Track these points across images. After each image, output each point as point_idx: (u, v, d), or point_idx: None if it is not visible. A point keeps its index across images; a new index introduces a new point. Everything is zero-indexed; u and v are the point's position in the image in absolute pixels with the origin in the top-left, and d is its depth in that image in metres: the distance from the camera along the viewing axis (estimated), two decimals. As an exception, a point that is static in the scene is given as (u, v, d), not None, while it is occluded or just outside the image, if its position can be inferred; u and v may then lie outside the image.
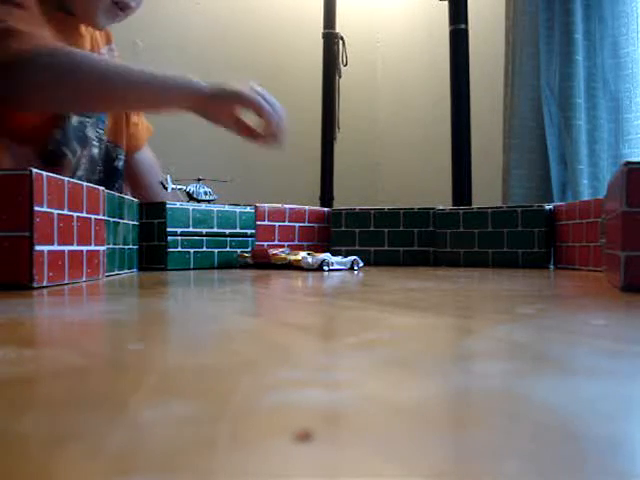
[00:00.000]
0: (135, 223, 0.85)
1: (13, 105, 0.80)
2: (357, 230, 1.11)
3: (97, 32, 0.95)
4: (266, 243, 1.06)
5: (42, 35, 0.75)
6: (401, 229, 1.10)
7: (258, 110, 0.82)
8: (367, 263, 1.10)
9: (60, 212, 0.57)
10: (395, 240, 1.09)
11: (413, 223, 1.09)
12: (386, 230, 1.10)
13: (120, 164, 1.07)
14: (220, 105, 0.83)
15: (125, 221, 0.79)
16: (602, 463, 0.13)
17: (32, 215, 0.52)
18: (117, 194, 0.76)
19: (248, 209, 1.00)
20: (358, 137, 1.99)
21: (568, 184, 1.44)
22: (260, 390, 0.19)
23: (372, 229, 1.11)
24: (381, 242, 1.09)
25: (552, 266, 0.99)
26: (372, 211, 1.11)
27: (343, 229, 1.12)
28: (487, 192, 1.51)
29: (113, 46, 1.02)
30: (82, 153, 0.96)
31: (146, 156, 1.17)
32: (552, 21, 1.46)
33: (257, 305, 0.51)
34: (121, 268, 0.77)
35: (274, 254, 0.87)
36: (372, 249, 1.10)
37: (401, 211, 1.10)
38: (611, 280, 0.59)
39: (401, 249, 1.08)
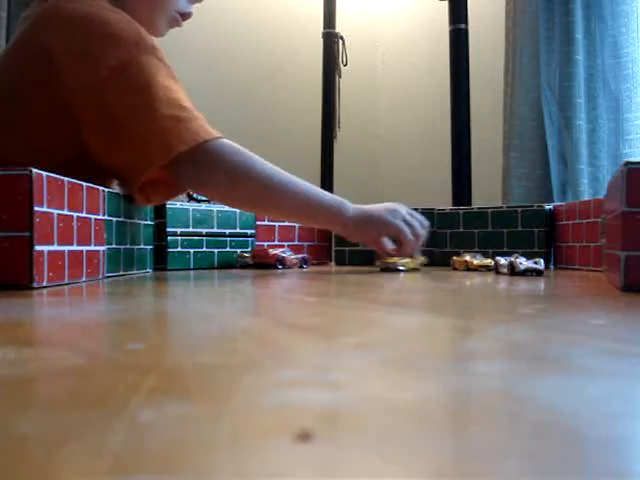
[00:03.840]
0: (148, 223, 0.85)
1: (193, 190, 0.86)
2: None
3: None
4: (266, 243, 1.06)
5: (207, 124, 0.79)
6: None
7: (402, 238, 0.87)
8: (371, 263, 1.10)
9: (60, 212, 0.57)
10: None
11: None
12: None
13: None
14: (364, 232, 0.88)
15: (134, 221, 0.79)
16: (602, 462, 0.13)
17: (32, 215, 0.52)
18: (122, 194, 0.76)
19: (248, 209, 1.00)
20: (358, 136, 1.99)
21: (568, 184, 1.44)
22: (260, 390, 0.19)
23: None
24: None
25: (552, 266, 0.99)
26: None
27: None
28: (487, 192, 1.51)
29: None
30: None
31: None
32: (552, 21, 1.46)
33: (257, 305, 0.51)
34: (129, 268, 0.77)
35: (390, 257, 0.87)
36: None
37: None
38: (611, 280, 0.59)
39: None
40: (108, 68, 0.73)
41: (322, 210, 0.83)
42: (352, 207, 0.85)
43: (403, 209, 0.89)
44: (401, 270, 0.85)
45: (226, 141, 0.77)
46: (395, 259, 0.86)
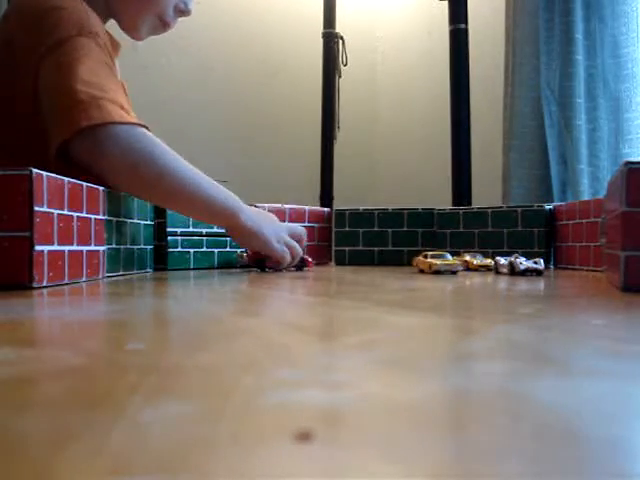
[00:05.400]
0: (148, 223, 0.85)
1: (92, 174, 0.80)
2: (361, 230, 1.11)
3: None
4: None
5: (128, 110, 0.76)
6: (405, 229, 1.10)
7: (279, 260, 0.87)
8: (371, 263, 1.10)
9: (60, 212, 0.57)
10: (399, 240, 1.09)
11: (417, 223, 1.10)
12: (390, 230, 1.10)
13: None
14: (244, 242, 0.88)
15: (134, 220, 0.79)
16: (602, 463, 0.13)
17: (32, 215, 0.52)
18: (123, 193, 0.76)
19: (248, 209, 1.00)
20: (358, 137, 1.99)
21: (568, 184, 1.44)
22: (260, 390, 0.19)
23: (376, 229, 1.10)
24: (385, 242, 1.09)
25: (552, 266, 0.99)
26: (376, 211, 1.11)
27: (347, 229, 1.12)
28: (487, 192, 1.51)
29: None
30: None
31: None
32: (552, 21, 1.46)
33: (257, 305, 0.51)
34: (129, 268, 0.77)
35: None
36: (376, 249, 1.10)
37: (405, 211, 1.10)
38: (611, 280, 0.59)
39: (405, 249, 1.08)
40: (45, 47, 0.74)
41: (213, 208, 0.81)
42: (246, 213, 0.84)
43: (284, 231, 0.90)
44: (455, 272, 0.81)
45: (138, 129, 0.74)
46: (439, 261, 0.82)
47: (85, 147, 0.73)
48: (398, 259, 1.08)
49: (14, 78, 0.78)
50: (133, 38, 0.91)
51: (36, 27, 0.77)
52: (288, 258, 0.87)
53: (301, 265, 0.92)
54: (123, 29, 0.90)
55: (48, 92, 0.74)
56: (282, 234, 0.89)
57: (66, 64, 0.73)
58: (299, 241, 0.92)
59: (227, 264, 0.97)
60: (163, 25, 0.91)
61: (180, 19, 0.92)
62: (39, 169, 0.54)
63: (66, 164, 0.73)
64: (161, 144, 0.76)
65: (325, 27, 1.61)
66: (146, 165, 0.74)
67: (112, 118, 0.71)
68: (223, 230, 0.90)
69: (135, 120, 0.75)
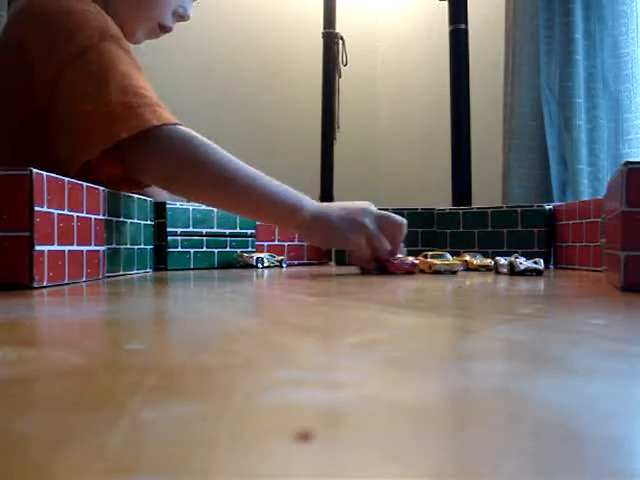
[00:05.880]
0: (148, 223, 0.85)
1: (137, 177, 0.81)
2: None
3: None
4: (266, 243, 1.06)
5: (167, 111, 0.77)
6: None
7: (375, 244, 0.79)
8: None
9: (60, 212, 0.57)
10: None
11: (417, 223, 1.09)
12: None
13: None
14: (315, 237, 0.81)
15: (134, 221, 0.79)
16: (602, 462, 0.13)
17: (32, 215, 0.52)
18: (123, 193, 0.76)
19: (248, 209, 1.00)
20: (358, 137, 1.99)
21: (568, 184, 1.44)
22: (260, 390, 0.19)
23: None
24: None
25: (552, 266, 0.99)
26: None
27: None
28: (487, 192, 1.51)
29: None
30: None
31: None
32: (552, 21, 1.46)
33: (257, 305, 0.51)
34: (129, 268, 0.77)
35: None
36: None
37: (405, 211, 1.10)
38: (611, 280, 0.59)
39: (405, 249, 1.08)
40: (69, 55, 0.73)
41: (274, 208, 0.76)
42: (312, 206, 0.77)
43: (373, 209, 0.81)
44: (455, 272, 0.81)
45: (180, 128, 0.75)
46: (438, 261, 0.81)
47: (128, 157, 0.74)
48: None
49: (27, 80, 0.76)
50: (130, 42, 0.92)
51: (52, 32, 0.75)
52: (363, 246, 0.77)
53: (379, 266, 0.79)
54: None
55: (80, 103, 0.73)
56: (363, 220, 0.77)
57: (97, 74, 0.73)
58: (393, 234, 0.80)
59: (227, 264, 0.97)
60: (162, 30, 0.91)
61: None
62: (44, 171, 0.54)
63: (86, 176, 0.74)
64: (205, 141, 0.75)
65: (325, 27, 1.61)
66: (199, 167, 0.74)
67: (153, 122, 0.72)
68: (224, 230, 0.91)
69: (172, 118, 0.75)
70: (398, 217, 0.82)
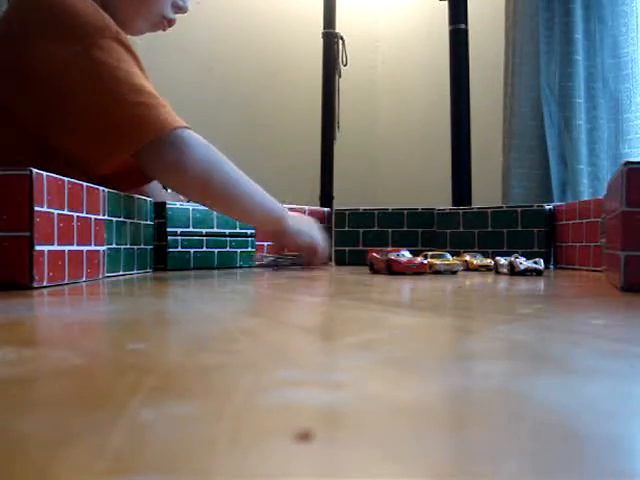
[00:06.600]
0: (148, 223, 0.85)
1: (150, 174, 0.84)
2: (361, 230, 1.11)
3: None
4: (266, 244, 1.06)
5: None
6: (405, 229, 1.10)
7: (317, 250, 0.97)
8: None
9: (60, 212, 0.57)
10: (399, 240, 1.09)
11: (417, 223, 1.09)
12: (390, 230, 1.10)
13: None
14: (289, 242, 0.96)
15: (134, 221, 0.79)
16: (602, 462, 0.13)
17: (32, 215, 0.52)
18: (123, 194, 0.76)
19: (248, 209, 1.00)
20: (358, 137, 1.99)
21: (568, 184, 1.44)
22: (260, 390, 0.19)
23: (376, 229, 1.10)
24: (385, 242, 1.09)
25: (552, 266, 0.99)
26: (376, 211, 1.10)
27: (347, 229, 1.12)
28: (487, 192, 1.51)
29: None
30: None
31: None
32: (552, 21, 1.46)
33: (257, 305, 0.51)
34: (129, 268, 0.77)
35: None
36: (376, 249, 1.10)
37: (405, 211, 1.10)
38: (611, 280, 0.59)
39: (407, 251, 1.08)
40: (72, 52, 0.73)
41: (269, 212, 0.89)
42: (288, 222, 0.92)
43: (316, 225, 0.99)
44: (455, 272, 0.81)
45: (192, 132, 0.78)
46: (438, 261, 0.82)
47: (151, 159, 0.76)
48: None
49: (19, 78, 0.76)
50: (130, 34, 0.91)
51: (52, 27, 0.75)
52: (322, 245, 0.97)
53: (387, 267, 0.82)
54: (121, 28, 0.90)
55: (96, 105, 0.73)
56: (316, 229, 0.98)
57: (106, 73, 0.73)
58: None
59: (227, 264, 0.97)
60: (165, 22, 0.91)
61: (180, 19, 0.92)
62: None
63: (91, 171, 0.75)
64: (213, 147, 0.80)
65: (325, 27, 1.61)
66: (219, 173, 0.80)
67: (173, 124, 0.74)
68: (224, 230, 0.91)
69: (182, 121, 0.77)
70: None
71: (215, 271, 0.91)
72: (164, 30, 0.93)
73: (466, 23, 1.34)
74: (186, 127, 0.76)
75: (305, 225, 0.97)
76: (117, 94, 0.72)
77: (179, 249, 0.91)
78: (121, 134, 0.73)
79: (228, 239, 0.97)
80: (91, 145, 0.75)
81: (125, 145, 0.74)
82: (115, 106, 0.72)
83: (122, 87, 0.73)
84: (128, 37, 0.80)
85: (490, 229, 1.03)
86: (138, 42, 0.94)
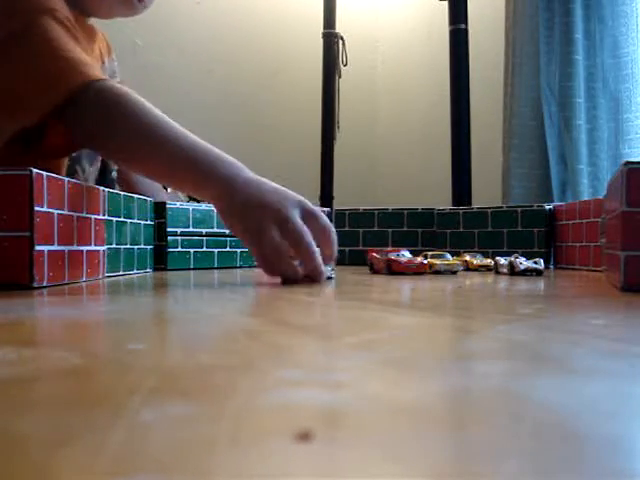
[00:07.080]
0: (148, 223, 0.85)
1: (75, 137, 0.79)
2: (361, 230, 1.11)
3: (101, 44, 0.95)
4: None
5: (98, 67, 0.75)
6: (405, 229, 1.10)
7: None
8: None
9: (60, 212, 0.57)
10: (399, 240, 1.09)
11: (417, 223, 1.09)
12: (390, 230, 1.10)
13: (114, 174, 1.07)
14: (246, 219, 0.64)
15: (134, 221, 0.79)
16: (602, 462, 0.13)
17: (32, 215, 0.52)
18: (123, 193, 0.76)
19: (248, 209, 1.00)
20: (358, 137, 1.99)
21: (568, 184, 1.44)
22: (260, 390, 0.19)
23: (376, 229, 1.10)
24: (385, 242, 1.09)
25: (552, 266, 0.99)
26: (376, 211, 1.10)
27: (347, 229, 1.12)
28: (487, 192, 1.51)
29: (114, 56, 1.01)
30: (90, 169, 0.97)
31: None
32: (552, 21, 1.46)
33: (257, 305, 0.51)
34: (129, 268, 0.77)
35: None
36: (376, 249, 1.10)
37: (405, 211, 1.10)
38: (611, 280, 0.59)
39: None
40: (10, 32, 0.72)
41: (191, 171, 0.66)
42: (244, 178, 0.63)
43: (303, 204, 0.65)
44: (455, 272, 0.80)
45: (111, 83, 0.73)
46: (438, 261, 0.80)
47: (68, 116, 0.72)
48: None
49: None
50: (102, 17, 0.89)
51: None
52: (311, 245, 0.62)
53: (387, 267, 0.77)
54: (88, 10, 0.87)
55: (20, 70, 0.72)
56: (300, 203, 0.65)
57: (40, 45, 0.71)
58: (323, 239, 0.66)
59: (227, 264, 0.97)
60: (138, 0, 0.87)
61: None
62: None
63: (23, 146, 0.72)
64: (136, 97, 0.72)
65: (325, 27, 1.61)
66: (121, 118, 0.70)
67: (93, 77, 0.70)
68: (224, 230, 0.90)
69: (102, 75, 0.72)
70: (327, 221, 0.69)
71: (215, 271, 0.91)
72: (136, 11, 0.88)
73: (466, 23, 1.34)
74: (102, 79, 0.72)
75: (280, 196, 0.63)
76: (44, 56, 0.71)
77: (179, 249, 0.91)
78: (40, 91, 0.71)
79: (228, 239, 0.97)
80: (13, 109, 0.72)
81: (43, 101, 0.70)
82: (37, 72, 0.71)
83: (51, 56, 0.71)
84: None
85: (490, 229, 1.03)
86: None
